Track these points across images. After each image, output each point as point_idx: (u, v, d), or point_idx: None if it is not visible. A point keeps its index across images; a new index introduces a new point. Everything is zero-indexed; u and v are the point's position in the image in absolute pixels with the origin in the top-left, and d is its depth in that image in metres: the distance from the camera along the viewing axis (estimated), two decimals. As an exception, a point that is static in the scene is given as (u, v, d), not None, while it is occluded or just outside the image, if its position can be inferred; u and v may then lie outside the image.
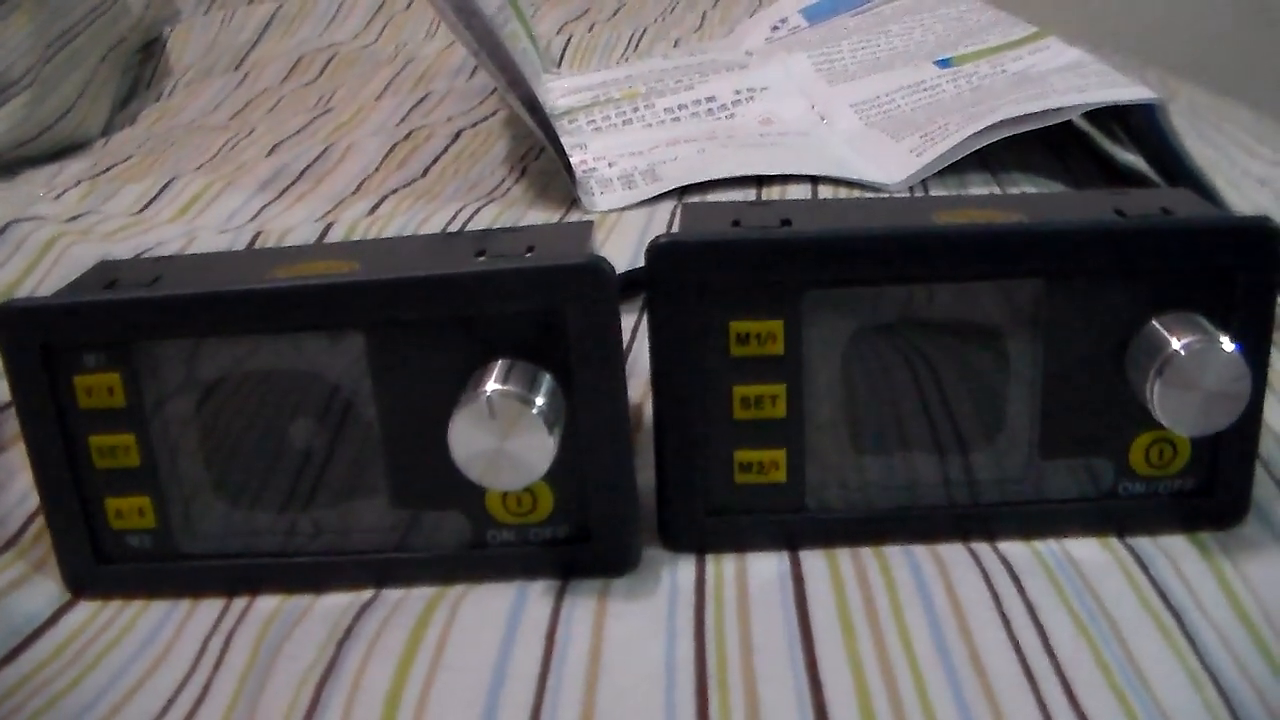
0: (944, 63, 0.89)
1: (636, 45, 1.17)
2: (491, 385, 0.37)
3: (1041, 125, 0.74)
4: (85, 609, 0.42)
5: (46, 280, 0.61)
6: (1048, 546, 0.41)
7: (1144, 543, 0.41)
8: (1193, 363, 0.37)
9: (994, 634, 0.37)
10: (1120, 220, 0.40)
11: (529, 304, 0.38)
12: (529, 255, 0.40)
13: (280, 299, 0.39)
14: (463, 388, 0.38)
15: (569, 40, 1.19)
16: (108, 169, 0.88)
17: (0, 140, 0.90)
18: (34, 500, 0.44)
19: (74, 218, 0.70)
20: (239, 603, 0.41)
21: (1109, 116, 0.82)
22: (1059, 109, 0.75)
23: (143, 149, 0.93)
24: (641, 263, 0.40)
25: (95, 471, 0.41)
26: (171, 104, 1.08)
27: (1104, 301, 0.40)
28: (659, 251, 0.39)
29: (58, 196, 0.80)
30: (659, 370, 0.40)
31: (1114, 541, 0.41)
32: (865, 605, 0.38)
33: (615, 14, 1.33)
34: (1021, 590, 0.39)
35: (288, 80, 1.11)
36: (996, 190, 0.73)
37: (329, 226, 0.71)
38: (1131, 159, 0.80)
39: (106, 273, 0.42)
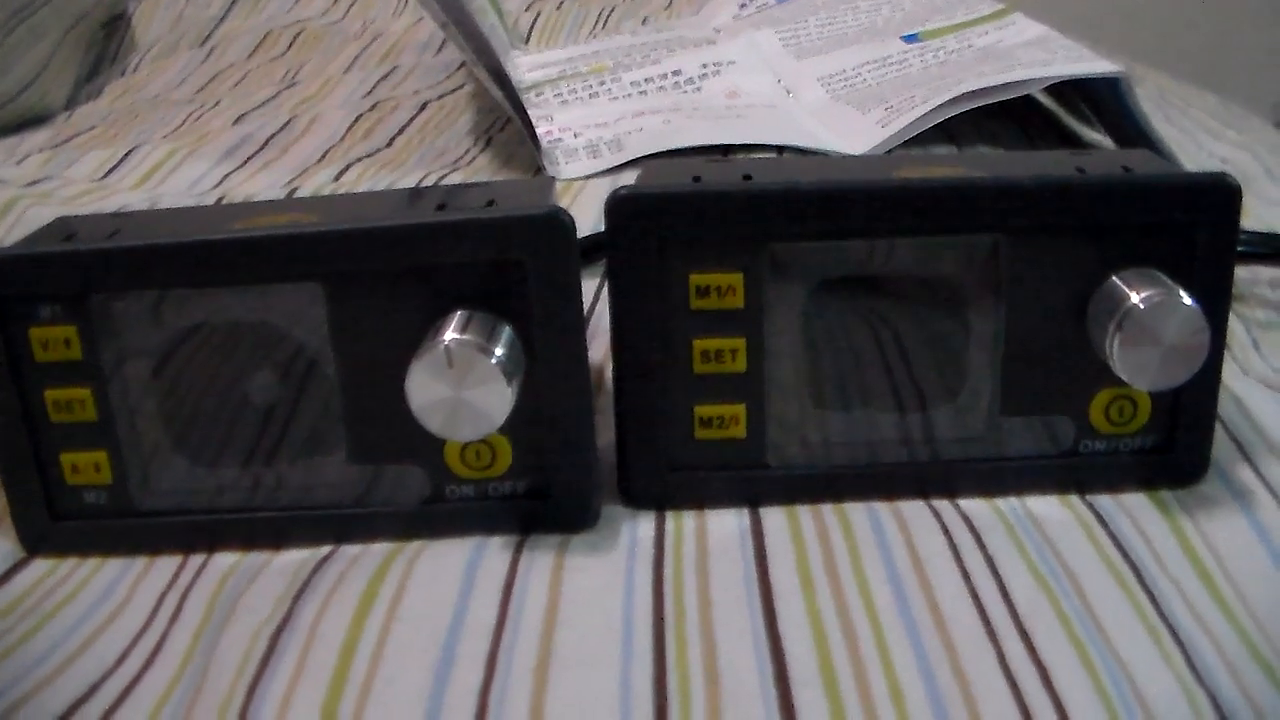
0: (911, 38, 0.90)
1: (605, 22, 1.17)
2: (450, 335, 0.36)
3: (1007, 97, 0.75)
4: (40, 566, 0.41)
5: (4, 242, 0.61)
6: (1008, 503, 0.41)
7: (1104, 500, 0.41)
8: (1152, 316, 0.37)
9: (954, 587, 0.37)
10: (1080, 176, 0.40)
11: (488, 254, 0.38)
12: (489, 207, 0.39)
13: (238, 249, 0.38)
14: (422, 340, 0.37)
15: (537, 17, 1.18)
16: (70, 139, 0.88)
17: (-38, 111, 0.89)
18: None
19: (34, 182, 0.69)
20: (196, 559, 0.41)
21: (1075, 94, 0.82)
22: (1024, 81, 0.75)
23: (106, 121, 0.92)
24: (602, 229, 0.40)
25: (51, 426, 0.40)
26: (136, 78, 1.07)
27: (1064, 257, 0.40)
28: (618, 203, 0.39)
29: (19, 163, 0.79)
30: (619, 323, 0.40)
31: (1074, 499, 0.41)
32: (825, 561, 0.38)
33: (584, -9, 1.32)
34: (982, 545, 0.39)
35: (254, 55, 1.11)
36: (962, 162, 0.73)
37: (293, 192, 0.71)
38: (1097, 136, 0.80)
39: (65, 227, 0.42)
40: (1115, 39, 1.13)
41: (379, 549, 0.40)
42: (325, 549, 0.41)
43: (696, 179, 0.40)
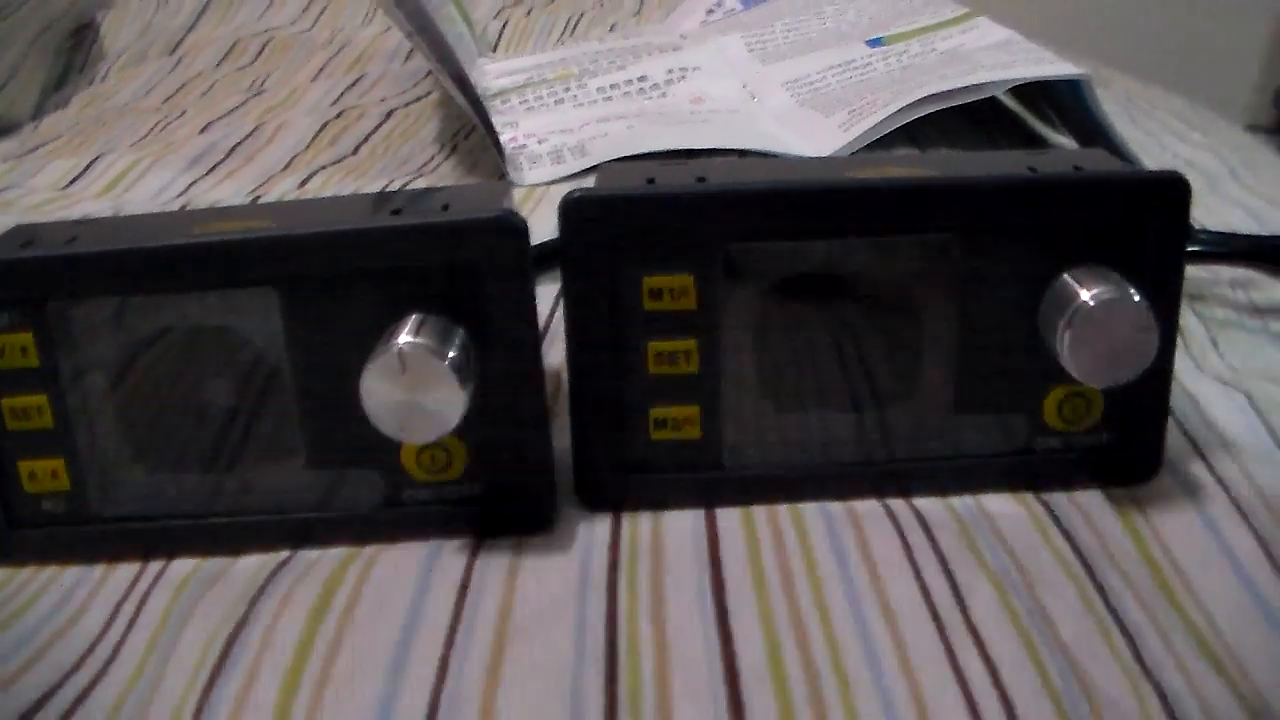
0: (875, 42, 0.90)
1: (573, 29, 1.17)
2: (404, 338, 0.36)
3: (969, 100, 0.75)
4: (-3, 573, 0.41)
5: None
6: (963, 501, 0.41)
7: (1058, 497, 0.41)
8: (1101, 313, 0.38)
9: (905, 586, 0.37)
10: (1032, 175, 0.40)
11: (441, 258, 0.38)
12: (443, 211, 0.39)
13: (193, 254, 0.38)
14: (376, 344, 0.37)
15: (505, 24, 1.19)
16: (36, 149, 0.87)
17: (-73, 121, 0.89)
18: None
19: (-4, 191, 0.70)
20: (155, 565, 0.41)
21: (1039, 97, 0.82)
22: (986, 83, 0.75)
23: (73, 129, 0.92)
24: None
25: (7, 434, 0.40)
26: (105, 88, 1.07)
27: (1017, 256, 0.40)
28: (572, 207, 0.39)
29: (-18, 172, 0.79)
30: (574, 326, 0.40)
31: (1028, 496, 0.41)
32: (779, 560, 0.39)
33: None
34: (934, 543, 0.39)
35: (222, 64, 1.11)
36: (925, 166, 0.74)
37: (257, 200, 0.71)
38: (1061, 138, 0.81)
39: (23, 234, 0.42)
40: (1083, 43, 1.13)
41: (336, 553, 0.40)
42: (283, 554, 0.41)
43: (650, 181, 0.40)
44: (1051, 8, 1.96)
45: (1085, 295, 0.38)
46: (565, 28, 1.18)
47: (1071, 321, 0.38)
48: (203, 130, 0.88)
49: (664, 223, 0.39)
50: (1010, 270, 0.40)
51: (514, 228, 0.38)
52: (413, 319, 0.38)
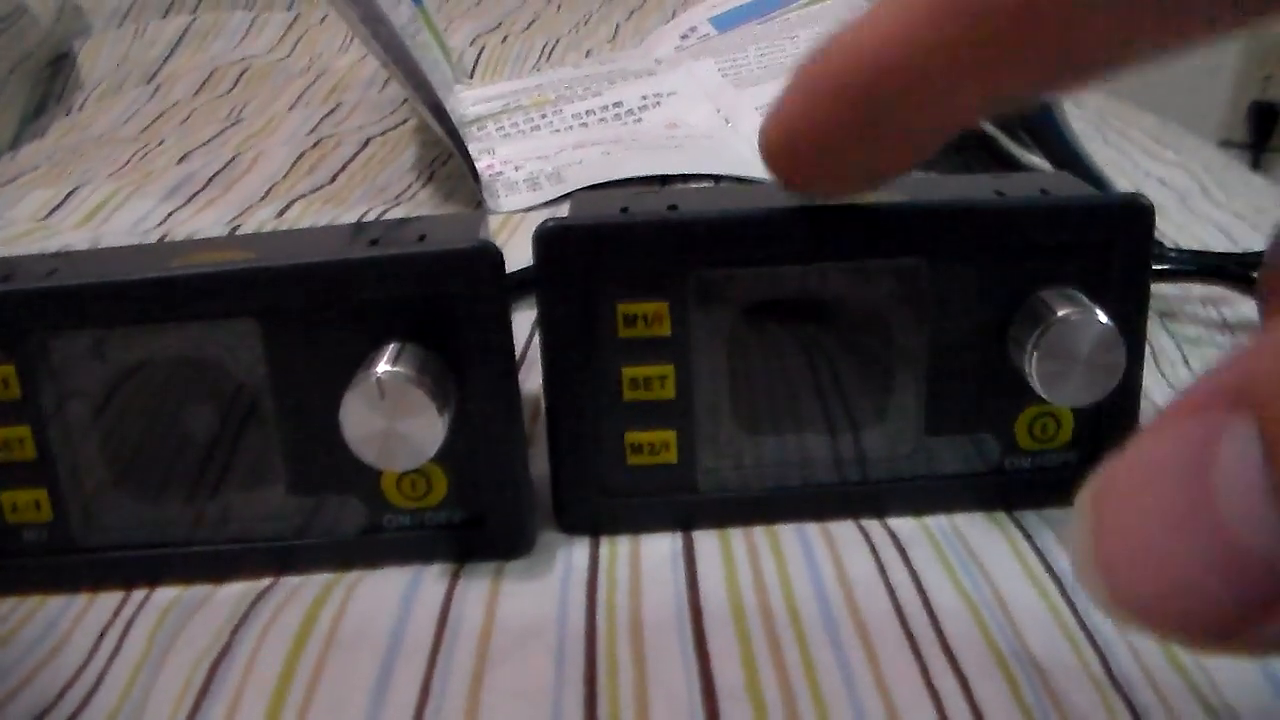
0: (848, 66, 0.91)
1: (549, 56, 1.18)
2: (382, 367, 0.37)
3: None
4: (-21, 604, 0.41)
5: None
6: (936, 520, 0.42)
7: (1030, 515, 0.42)
8: (1068, 334, 0.38)
9: (879, 604, 0.38)
10: (998, 199, 0.41)
11: (417, 289, 0.39)
12: (420, 242, 0.40)
13: (174, 286, 0.39)
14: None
15: (481, 51, 1.20)
16: (14, 179, 0.88)
17: (-96, 153, 0.89)
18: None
19: (-25, 224, 0.70)
20: (138, 594, 0.41)
21: (1011, 118, 0.83)
22: (957, 106, 0.76)
23: (51, 160, 0.93)
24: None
25: (-11, 465, 0.41)
26: (82, 117, 1.07)
27: (985, 279, 0.41)
28: (545, 236, 0.39)
29: (-40, 204, 0.79)
30: (549, 353, 0.41)
31: (1001, 515, 0.42)
32: (755, 582, 0.39)
33: (529, 26, 1.33)
34: (907, 561, 0.40)
35: (200, 93, 1.11)
36: (897, 188, 0.75)
37: (236, 229, 0.71)
38: (1035, 159, 0.82)
39: (2, 268, 0.42)
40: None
41: (318, 579, 0.41)
42: (266, 581, 0.41)
43: (624, 210, 0.41)
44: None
45: (1051, 317, 0.39)
46: (541, 54, 1.19)
47: (1039, 343, 0.39)
48: (181, 160, 0.89)
49: (637, 250, 0.40)
50: (979, 293, 0.41)
51: (489, 258, 0.38)
52: (391, 348, 0.38)
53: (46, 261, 0.42)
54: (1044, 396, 0.39)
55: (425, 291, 0.39)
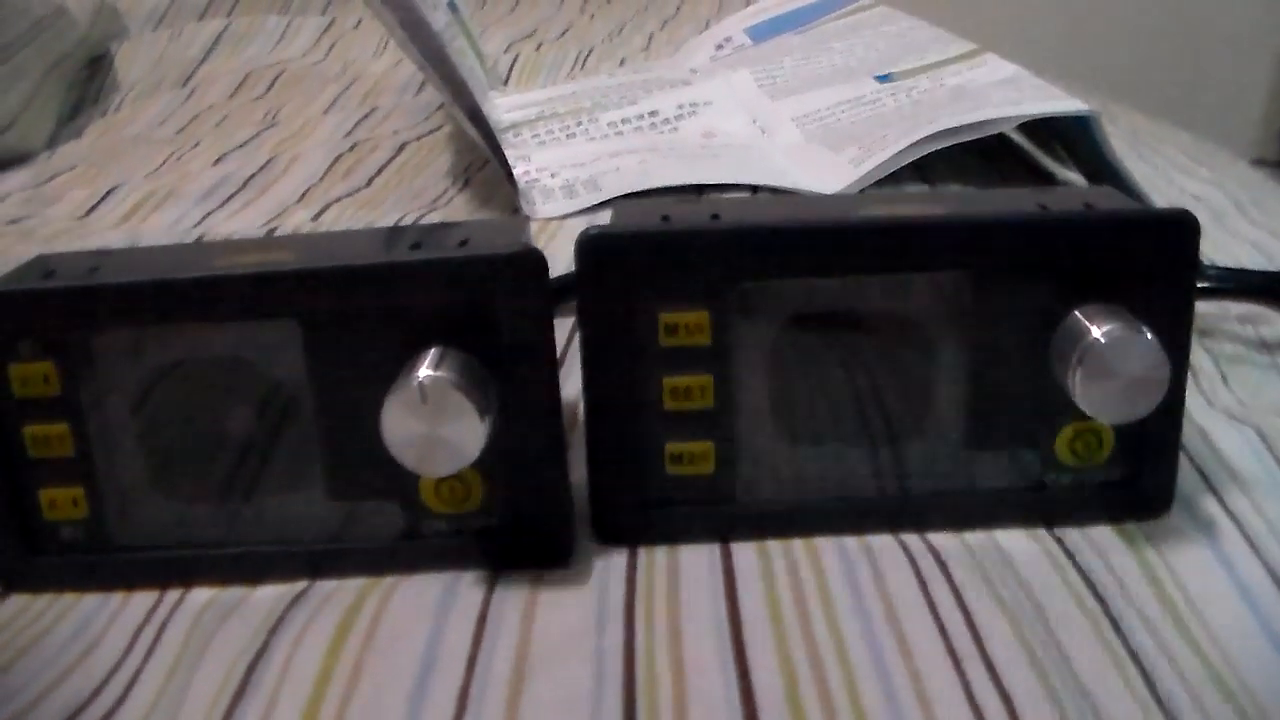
0: (884, 78, 0.91)
1: (583, 64, 1.18)
2: (424, 371, 0.37)
3: (978, 136, 0.75)
4: (15, 602, 0.41)
5: (-15, 282, 0.61)
6: (976, 537, 0.42)
7: (1071, 533, 0.42)
8: (1112, 350, 0.38)
9: (920, 618, 0.37)
10: (1043, 213, 0.40)
11: (461, 293, 0.38)
12: (463, 246, 0.40)
13: (216, 287, 0.39)
14: (397, 377, 0.38)
15: (516, 59, 1.20)
16: (51, 179, 0.88)
17: (-57, 151, 0.90)
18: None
19: (14, 221, 0.70)
20: (172, 594, 0.41)
21: (1048, 134, 0.83)
22: (995, 119, 0.76)
23: (87, 160, 0.93)
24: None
25: (29, 462, 0.41)
26: (118, 118, 1.08)
27: (1028, 293, 0.40)
28: (589, 243, 0.39)
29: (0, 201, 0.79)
30: (589, 361, 0.41)
31: (1041, 532, 0.42)
32: (794, 595, 0.39)
33: (563, 34, 1.33)
34: (948, 577, 0.39)
35: (235, 96, 1.11)
36: (934, 202, 0.74)
37: (272, 232, 0.71)
38: (1070, 174, 0.81)
39: (44, 265, 0.42)
40: (1088, 79, 1.14)
41: (354, 584, 0.40)
42: (301, 584, 0.41)
43: (665, 219, 0.41)
44: (1057, 44, 1.97)
45: (1096, 333, 0.38)
46: (575, 63, 1.19)
47: (1083, 359, 0.38)
48: (216, 162, 0.89)
49: (679, 259, 0.39)
50: (1021, 307, 0.40)
51: (534, 263, 0.38)
52: (433, 352, 0.38)
53: (88, 259, 0.43)
54: (1087, 413, 0.39)
55: (468, 296, 0.38)
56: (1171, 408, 0.40)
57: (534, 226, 0.72)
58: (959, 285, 0.40)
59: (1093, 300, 0.40)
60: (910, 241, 0.40)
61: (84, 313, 0.39)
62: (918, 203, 0.43)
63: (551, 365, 0.39)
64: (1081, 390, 0.38)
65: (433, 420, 0.37)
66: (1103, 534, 0.42)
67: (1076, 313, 0.40)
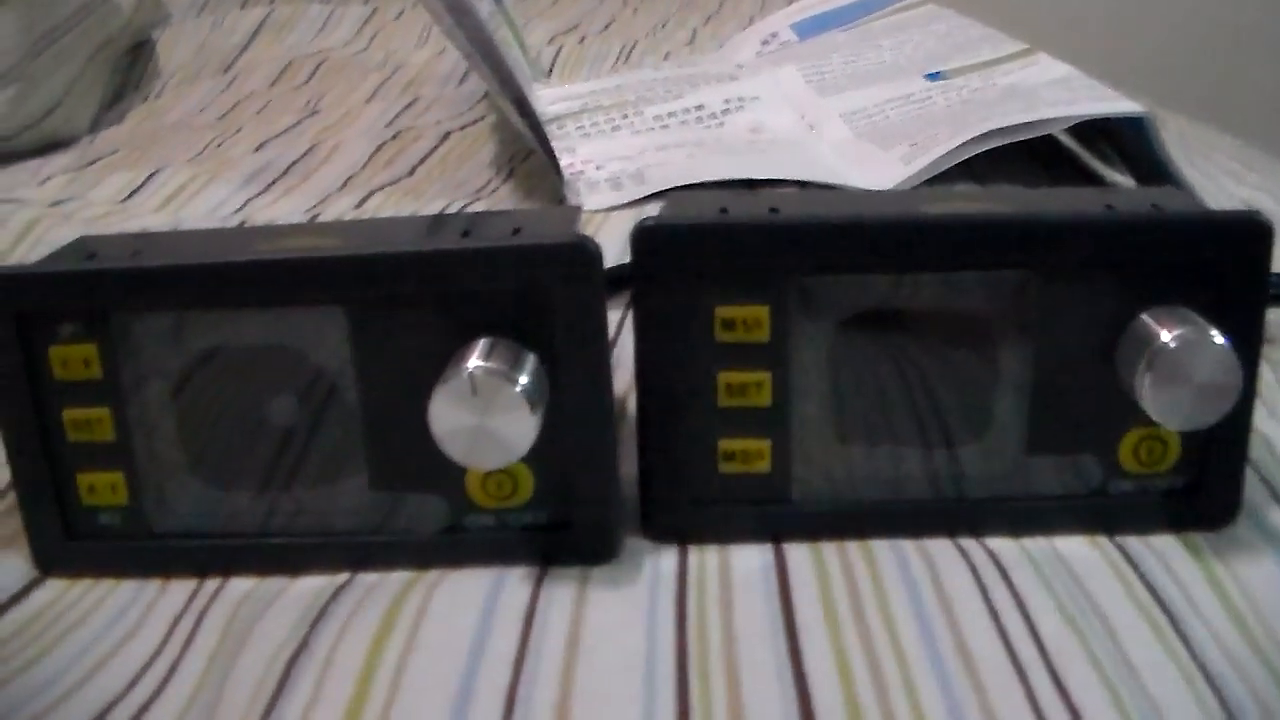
0: (934, 76, 0.89)
1: (626, 58, 1.17)
2: (474, 362, 0.36)
3: (1031, 135, 0.74)
4: (54, 586, 0.41)
5: (27, 261, 0.61)
6: (1035, 543, 0.40)
7: (1133, 541, 0.40)
8: (1183, 355, 0.37)
9: (981, 625, 0.36)
10: (1110, 213, 0.39)
11: (513, 282, 0.38)
12: (515, 235, 0.39)
13: (261, 271, 0.38)
14: (445, 367, 0.37)
15: (559, 51, 1.19)
16: (93, 162, 0.88)
17: (-14, 133, 0.90)
18: (5, 475, 0.44)
19: (57, 203, 0.70)
20: (211, 583, 0.41)
21: (1098, 136, 0.81)
22: (1049, 120, 0.74)
23: (129, 144, 0.93)
24: (625, 260, 0.40)
25: (68, 445, 0.40)
26: (159, 104, 1.08)
27: (1094, 295, 0.39)
28: (645, 234, 0.38)
29: (42, 183, 0.79)
30: (643, 355, 0.40)
31: (1102, 540, 0.41)
32: (850, 597, 0.38)
33: (606, 28, 1.32)
34: (1009, 583, 0.38)
35: (276, 84, 1.11)
36: (985, 201, 0.73)
37: (315, 219, 0.71)
38: (1119, 176, 0.80)
39: (86, 247, 0.42)
40: (1136, 81, 1.13)
41: (397, 577, 0.40)
42: (343, 576, 0.40)
43: (723, 211, 0.40)
44: (1104, 45, 1.95)
45: (1165, 337, 0.37)
46: (619, 55, 1.18)
47: (1152, 363, 0.37)
48: (258, 148, 0.88)
49: (739, 253, 0.38)
50: (1087, 309, 0.39)
51: (589, 253, 0.37)
52: (483, 343, 0.37)
53: (129, 242, 0.42)
54: (1154, 419, 0.38)
55: (521, 285, 0.38)
56: (1239, 416, 0.39)
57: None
58: (1023, 285, 0.39)
59: (1161, 303, 0.39)
60: (975, 239, 0.39)
61: (127, 295, 0.39)
62: (979, 200, 0.42)
63: (605, 358, 0.38)
64: (1149, 395, 0.37)
65: (483, 412, 0.36)
66: (1166, 543, 0.40)
67: (1144, 316, 0.39)
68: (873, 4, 1.09)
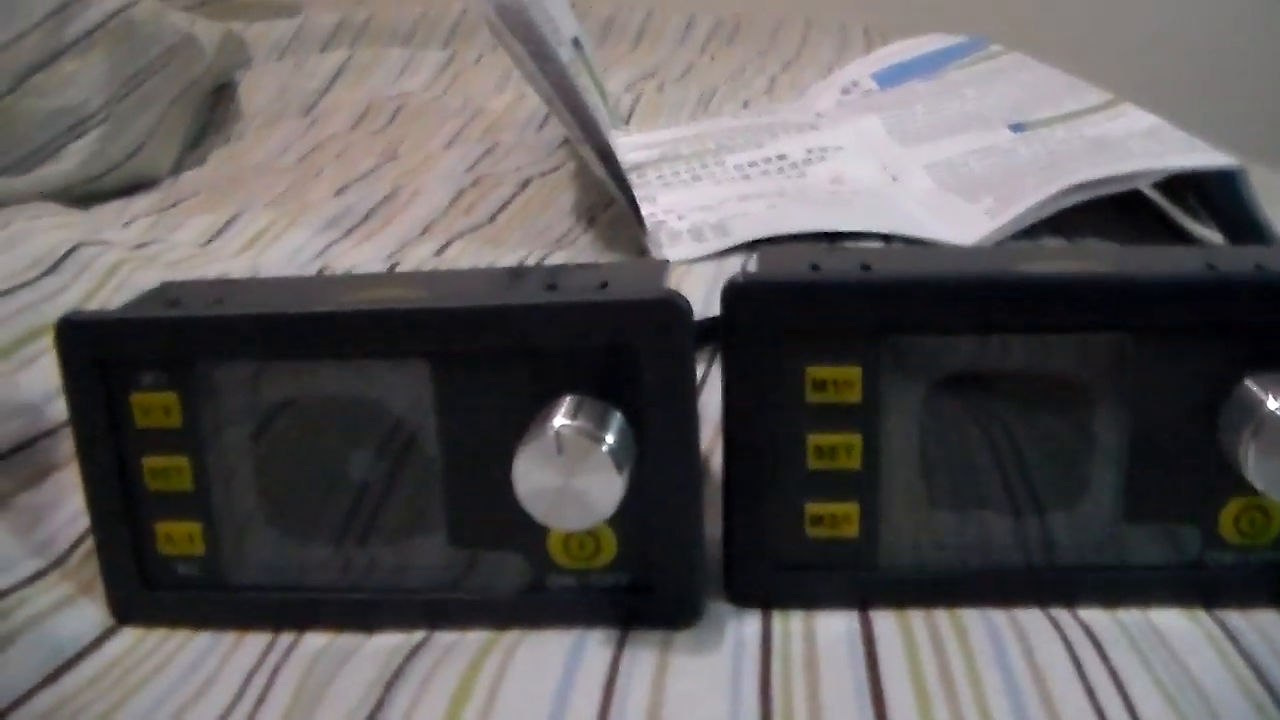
0: (1018, 127, 0.88)
1: (705, 105, 1.17)
2: (561, 420, 0.35)
3: (1121, 189, 0.73)
4: (129, 635, 0.40)
5: (109, 305, 0.61)
6: (1130, 615, 0.39)
7: (1232, 615, 0.39)
8: (1291, 424, 0.35)
9: (1076, 702, 0.35)
10: (1212, 273, 0.38)
11: (601, 338, 0.37)
12: (602, 289, 0.38)
13: (344, 323, 0.38)
14: (529, 424, 0.36)
15: (637, 99, 1.18)
16: (175, 204, 0.88)
17: (73, 174, 0.91)
18: (84, 521, 0.43)
19: (140, 246, 0.70)
20: (286, 637, 0.40)
21: (1184, 187, 0.80)
22: (1139, 173, 0.73)
23: (210, 187, 0.93)
24: (708, 314, 0.39)
25: (147, 494, 0.40)
26: (241, 146, 1.08)
27: (1195, 358, 0.38)
28: (737, 292, 0.38)
29: (126, 225, 0.79)
30: (731, 415, 0.39)
31: (1200, 613, 0.39)
32: (940, 669, 0.37)
33: (684, 75, 1.32)
34: (1105, 659, 0.37)
35: (356, 128, 1.11)
36: (1073, 256, 0.72)
37: (394, 266, 0.70)
38: (1207, 232, 0.78)
39: (169, 293, 0.41)
40: (1219, 133, 1.11)
41: (475, 637, 0.39)
42: (419, 634, 0.39)
43: (815, 268, 0.39)
44: (1188, 97, 1.93)
45: (1272, 404, 0.36)
46: (697, 103, 1.17)
47: (1258, 431, 0.36)
48: (338, 192, 0.88)
49: (833, 312, 0.38)
50: (1187, 373, 0.38)
51: (678, 309, 0.36)
52: (569, 400, 0.36)
53: (212, 288, 0.42)
54: (1258, 488, 0.36)
55: (609, 341, 0.37)
56: (1352, 487, 0.38)
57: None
58: (1120, 347, 0.38)
59: (1265, 367, 0.38)
60: (1071, 299, 0.38)
61: (209, 344, 0.38)
62: (1075, 258, 0.41)
63: (693, 418, 0.38)
64: (1254, 464, 0.36)
65: (568, 472, 0.35)
66: (1268, 618, 0.39)
67: (1248, 381, 0.37)
68: (954, 53, 1.08)
